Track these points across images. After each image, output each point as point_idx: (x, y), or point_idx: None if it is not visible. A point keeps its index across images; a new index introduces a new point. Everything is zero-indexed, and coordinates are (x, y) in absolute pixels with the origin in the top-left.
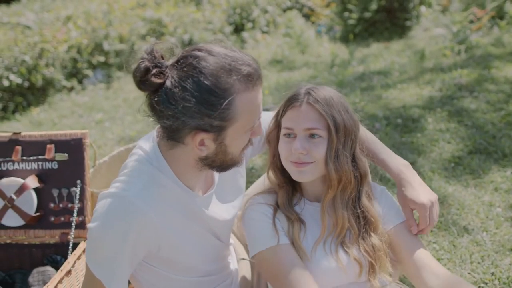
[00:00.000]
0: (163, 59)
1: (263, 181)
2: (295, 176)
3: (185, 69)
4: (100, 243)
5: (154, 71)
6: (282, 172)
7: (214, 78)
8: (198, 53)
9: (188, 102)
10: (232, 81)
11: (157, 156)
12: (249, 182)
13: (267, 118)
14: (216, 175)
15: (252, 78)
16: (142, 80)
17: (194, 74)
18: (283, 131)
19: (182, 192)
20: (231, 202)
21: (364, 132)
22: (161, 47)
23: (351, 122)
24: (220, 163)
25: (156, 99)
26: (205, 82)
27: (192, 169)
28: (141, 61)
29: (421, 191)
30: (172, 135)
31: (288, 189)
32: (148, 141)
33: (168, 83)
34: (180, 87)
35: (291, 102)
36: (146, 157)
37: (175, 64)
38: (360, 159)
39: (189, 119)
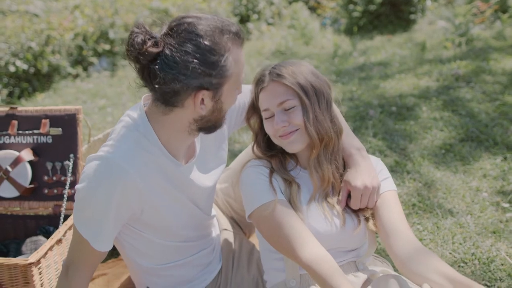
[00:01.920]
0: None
1: (245, 154)
2: (287, 148)
3: (182, 34)
4: (87, 203)
5: (149, 42)
6: (267, 146)
7: (211, 38)
8: (189, 19)
9: (191, 63)
10: (225, 39)
11: (144, 123)
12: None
13: (247, 92)
14: (198, 145)
15: (239, 36)
16: (140, 52)
17: (192, 37)
18: (263, 114)
19: (165, 159)
20: (213, 170)
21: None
22: (148, 22)
23: (319, 83)
24: (214, 121)
25: (156, 67)
26: (205, 42)
27: (180, 135)
28: (135, 35)
29: (360, 175)
30: (170, 100)
31: (280, 157)
32: (135, 109)
33: (167, 50)
34: (181, 51)
35: (258, 85)
36: (133, 123)
37: (169, 32)
38: (336, 116)
39: (191, 79)
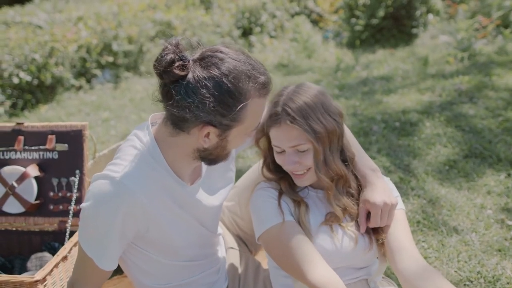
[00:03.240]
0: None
1: (252, 173)
2: (296, 182)
3: (209, 68)
4: (92, 221)
5: (178, 63)
6: (276, 169)
7: (235, 81)
8: (221, 55)
9: (207, 99)
10: (249, 87)
11: (152, 143)
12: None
13: None
14: (204, 168)
15: (266, 87)
16: (165, 70)
17: (217, 74)
18: (274, 147)
19: (171, 180)
20: (220, 190)
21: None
22: (184, 42)
23: (332, 124)
24: (215, 156)
25: (175, 89)
26: (227, 84)
27: (185, 158)
28: (166, 53)
29: (377, 193)
30: (179, 123)
31: (289, 179)
32: (142, 129)
33: (190, 76)
34: (202, 83)
35: (271, 121)
36: (140, 142)
37: (199, 61)
38: (347, 147)
39: (202, 113)
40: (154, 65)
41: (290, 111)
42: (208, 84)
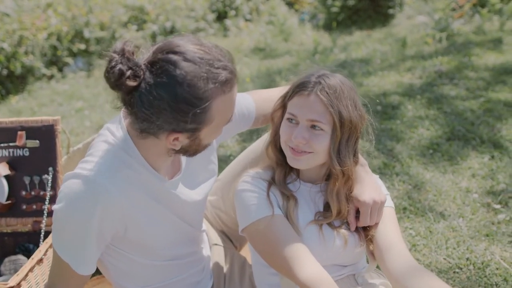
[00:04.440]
0: (133, 55)
1: (236, 165)
2: (290, 162)
3: (161, 75)
4: (66, 224)
5: (128, 73)
6: (280, 151)
7: (190, 89)
8: (173, 57)
9: (164, 110)
10: (209, 89)
11: (125, 139)
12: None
13: (239, 102)
14: (184, 161)
15: (228, 83)
16: (117, 84)
17: (170, 82)
18: (286, 115)
19: (149, 175)
20: (202, 183)
21: None
22: (131, 45)
23: (357, 118)
24: (193, 152)
25: (130, 100)
26: (181, 92)
27: (160, 155)
28: (114, 64)
29: (367, 190)
30: (145, 130)
31: (285, 168)
32: (115, 122)
33: (143, 86)
34: (155, 94)
35: (300, 88)
36: (113, 138)
37: (150, 66)
38: (358, 152)
39: (163, 123)
40: (106, 78)
41: (325, 85)
42: (162, 94)
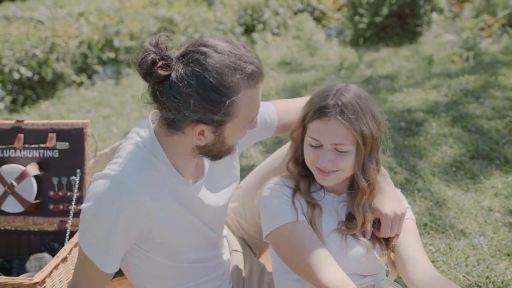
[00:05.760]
0: (167, 50)
1: (258, 172)
2: (318, 180)
3: (191, 64)
4: (93, 223)
5: (160, 63)
6: (303, 165)
7: (219, 76)
8: (204, 49)
9: (192, 97)
10: (236, 80)
11: (152, 141)
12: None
13: (262, 110)
14: (207, 165)
15: (255, 77)
16: (148, 72)
17: (199, 70)
18: (309, 140)
19: (174, 178)
20: (224, 188)
21: None
22: (165, 39)
23: (377, 131)
24: (216, 152)
25: (160, 90)
26: (210, 79)
27: (187, 156)
28: (148, 53)
29: (388, 202)
30: (172, 124)
31: (309, 178)
32: (143, 126)
33: (173, 75)
34: (185, 82)
35: (319, 114)
36: (141, 141)
37: (181, 58)
38: (379, 159)
39: (191, 112)
40: (138, 67)
41: (344, 108)
42: (191, 81)
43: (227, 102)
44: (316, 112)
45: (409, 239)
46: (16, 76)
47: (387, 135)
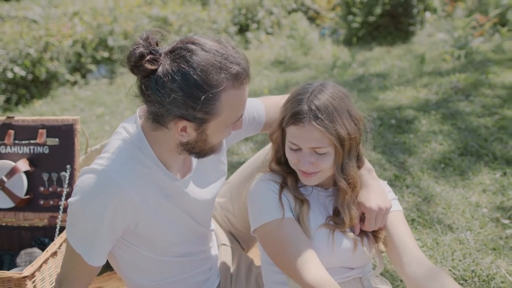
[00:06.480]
0: (157, 45)
1: (247, 167)
2: (303, 181)
3: (178, 60)
4: (80, 216)
5: (148, 57)
6: (286, 164)
7: (203, 74)
8: (192, 47)
9: (176, 93)
10: (220, 79)
11: (139, 137)
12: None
13: (250, 106)
14: (195, 160)
15: (240, 77)
16: (136, 65)
17: (185, 67)
18: (288, 143)
19: (161, 173)
20: (212, 183)
21: None
22: (156, 34)
23: (355, 129)
24: (199, 150)
25: (146, 83)
26: (194, 77)
27: (172, 152)
28: (136, 47)
29: (373, 196)
30: (156, 118)
31: (295, 174)
32: (131, 121)
33: (160, 70)
34: (170, 77)
35: (294, 119)
36: (129, 136)
37: (169, 54)
38: (361, 155)
39: (174, 107)
40: (127, 60)
41: (317, 112)
42: (176, 77)
43: (210, 100)
44: (291, 117)
45: (401, 231)
46: (10, 75)
47: (371, 129)
